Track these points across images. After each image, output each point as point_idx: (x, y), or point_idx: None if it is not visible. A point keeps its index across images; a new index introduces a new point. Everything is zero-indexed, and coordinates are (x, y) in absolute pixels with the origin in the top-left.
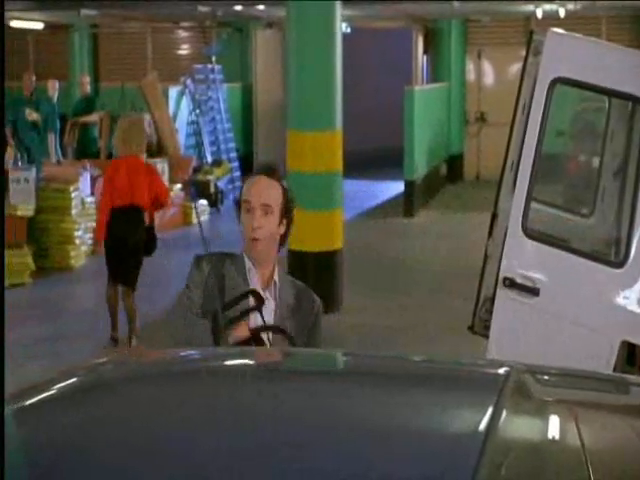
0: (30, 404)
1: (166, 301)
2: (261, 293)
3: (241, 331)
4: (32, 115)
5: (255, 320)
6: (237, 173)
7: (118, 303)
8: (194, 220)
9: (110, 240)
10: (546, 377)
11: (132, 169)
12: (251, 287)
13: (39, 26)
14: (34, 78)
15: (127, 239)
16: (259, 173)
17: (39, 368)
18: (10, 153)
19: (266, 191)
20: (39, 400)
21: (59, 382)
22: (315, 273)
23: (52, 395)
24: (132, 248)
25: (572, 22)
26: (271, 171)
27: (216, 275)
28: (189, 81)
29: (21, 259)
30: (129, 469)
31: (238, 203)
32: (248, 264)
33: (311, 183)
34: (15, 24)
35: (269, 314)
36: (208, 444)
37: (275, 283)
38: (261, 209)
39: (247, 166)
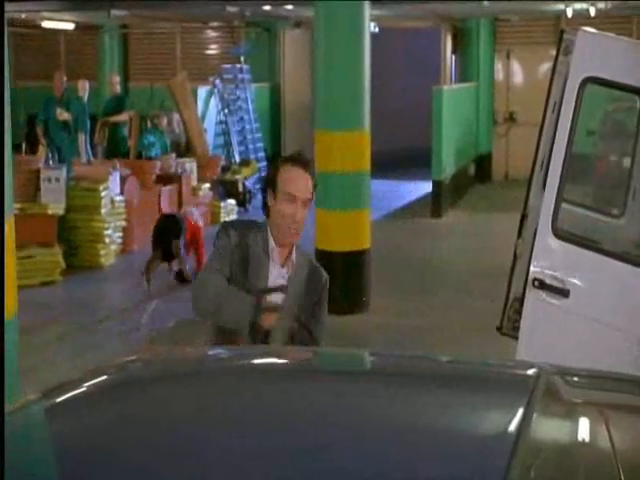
0: (59, 402)
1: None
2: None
3: (270, 319)
4: (63, 115)
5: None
6: (265, 173)
7: (155, 268)
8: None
9: (156, 233)
10: (576, 379)
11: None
12: (280, 282)
13: (70, 26)
14: (65, 78)
15: (168, 230)
16: (299, 166)
17: (68, 366)
18: (42, 152)
19: (307, 186)
20: (68, 398)
21: (88, 380)
22: (343, 273)
23: (81, 393)
24: (170, 237)
25: (602, 21)
26: (308, 166)
27: (242, 245)
28: (218, 81)
29: (52, 257)
30: (156, 468)
31: (270, 186)
32: (271, 243)
33: (339, 183)
34: (46, 24)
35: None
36: (235, 444)
37: (292, 262)
38: (303, 203)
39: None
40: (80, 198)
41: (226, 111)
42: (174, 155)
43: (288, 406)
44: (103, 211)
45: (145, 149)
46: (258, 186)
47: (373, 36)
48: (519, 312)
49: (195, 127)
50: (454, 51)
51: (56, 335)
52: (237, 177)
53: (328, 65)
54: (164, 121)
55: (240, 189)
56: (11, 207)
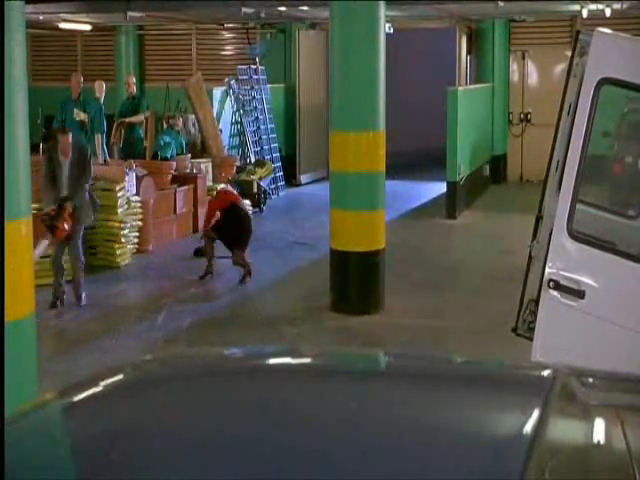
0: (76, 401)
1: (207, 298)
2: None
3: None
4: (80, 115)
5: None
6: (280, 173)
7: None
8: None
9: (224, 220)
10: (591, 380)
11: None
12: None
13: (87, 28)
14: (82, 79)
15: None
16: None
17: (86, 364)
18: None
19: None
20: (85, 397)
21: (104, 379)
22: (357, 273)
23: (98, 392)
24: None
25: (618, 22)
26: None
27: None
28: (233, 82)
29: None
30: (172, 466)
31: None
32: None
33: (354, 183)
34: (64, 26)
35: (67, 168)
36: (250, 444)
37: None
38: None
39: (290, 166)
40: (97, 198)
41: (241, 112)
42: (189, 156)
43: (303, 406)
44: (119, 211)
45: (161, 150)
46: (273, 186)
47: (388, 37)
48: (534, 313)
49: (210, 128)
50: (469, 52)
51: (73, 333)
52: (252, 177)
53: (343, 66)
54: (180, 122)
55: (255, 189)
56: (29, 208)
